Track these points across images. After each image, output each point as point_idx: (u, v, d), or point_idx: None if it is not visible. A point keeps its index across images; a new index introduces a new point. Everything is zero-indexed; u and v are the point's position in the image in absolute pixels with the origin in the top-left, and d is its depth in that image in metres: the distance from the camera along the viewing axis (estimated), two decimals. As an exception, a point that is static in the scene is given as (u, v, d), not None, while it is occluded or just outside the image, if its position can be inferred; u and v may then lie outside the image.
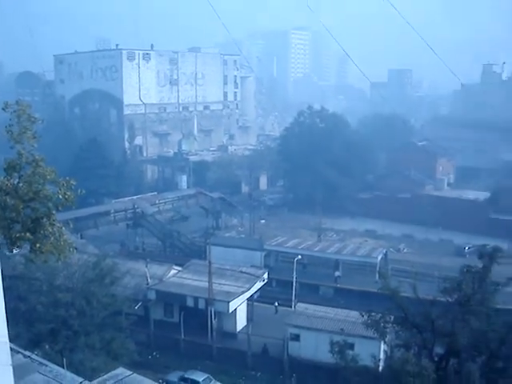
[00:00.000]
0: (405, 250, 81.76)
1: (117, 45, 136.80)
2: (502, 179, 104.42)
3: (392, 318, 30.78)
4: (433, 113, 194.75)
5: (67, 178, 19.60)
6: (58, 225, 19.22)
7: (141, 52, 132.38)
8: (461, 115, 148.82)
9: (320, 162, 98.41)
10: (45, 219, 18.85)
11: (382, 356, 34.94)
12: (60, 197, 19.14)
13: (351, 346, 38.38)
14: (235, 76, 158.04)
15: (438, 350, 29.17)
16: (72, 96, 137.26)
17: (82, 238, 72.43)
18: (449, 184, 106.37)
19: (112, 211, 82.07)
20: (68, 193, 19.22)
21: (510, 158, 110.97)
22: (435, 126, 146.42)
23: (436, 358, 28.93)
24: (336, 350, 30.32)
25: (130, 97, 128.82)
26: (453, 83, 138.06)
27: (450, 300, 29.14)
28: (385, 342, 32.70)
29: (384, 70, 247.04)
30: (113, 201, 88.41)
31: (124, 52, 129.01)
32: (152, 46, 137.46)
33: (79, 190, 20.65)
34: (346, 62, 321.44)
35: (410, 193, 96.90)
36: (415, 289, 31.02)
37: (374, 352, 32.18)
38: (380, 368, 31.39)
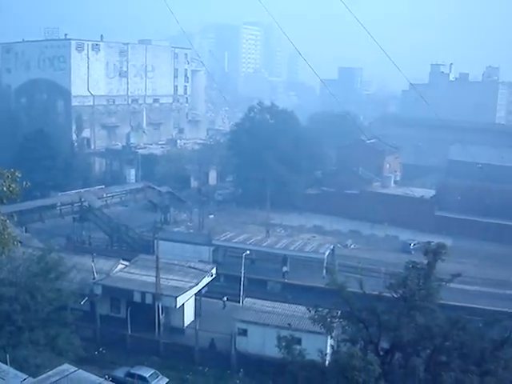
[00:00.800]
0: (352, 246, 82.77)
1: (65, 34, 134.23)
2: (446, 177, 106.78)
3: (339, 313, 31.11)
4: (382, 111, 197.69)
5: (12, 169, 19.14)
6: (2, 218, 18.79)
7: (90, 43, 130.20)
8: (408, 114, 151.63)
9: (270, 157, 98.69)
10: (-12, 212, 18.40)
11: (328, 350, 35.30)
12: (4, 189, 18.68)
13: (298, 341, 38.60)
14: (186, 69, 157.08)
15: (384, 344, 29.63)
16: (18, 85, 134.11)
17: (26, 231, 70.97)
18: (395, 181, 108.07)
19: (58, 204, 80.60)
20: (13, 185, 18.80)
21: (454, 157, 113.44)
22: (384, 125, 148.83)
23: (382, 353, 29.39)
24: (283, 344, 30.45)
25: (78, 88, 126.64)
26: (402, 83, 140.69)
27: (395, 295, 29.60)
28: (331, 337, 33.06)
29: (335, 67, 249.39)
30: (59, 194, 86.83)
31: (73, 42, 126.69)
32: (102, 36, 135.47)
33: (24, 183, 20.19)
34: (297, 58, 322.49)
35: (358, 189, 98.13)
36: (362, 284, 31.41)
37: (321, 347, 32.52)
38: (326, 362, 31.68)
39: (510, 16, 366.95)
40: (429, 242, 32.43)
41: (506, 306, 56.80)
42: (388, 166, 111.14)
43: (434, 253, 29.90)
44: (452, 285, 32.47)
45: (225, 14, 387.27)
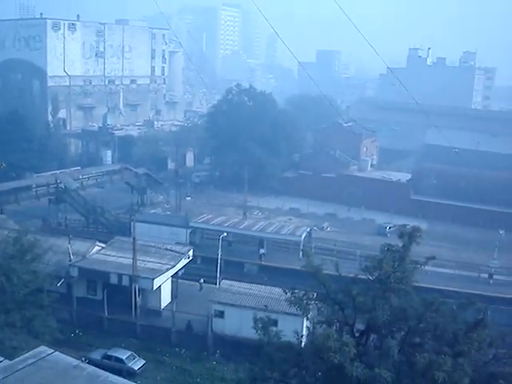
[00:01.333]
0: (328, 229, 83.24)
1: (41, 13, 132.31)
2: (422, 161, 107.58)
3: (315, 295, 31.29)
4: (359, 95, 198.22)
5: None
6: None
7: (66, 22, 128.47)
8: (386, 98, 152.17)
9: (247, 140, 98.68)
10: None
11: (304, 332, 35.49)
12: (-21, 170, 18.49)
13: (275, 323, 38.85)
14: (163, 50, 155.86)
15: (359, 326, 29.91)
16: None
17: (2, 213, 70.31)
18: (372, 165, 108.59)
19: (34, 186, 79.68)
20: (-12, 166, 18.59)
21: (430, 141, 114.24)
22: (361, 108, 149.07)
23: (357, 334, 29.65)
24: (259, 326, 30.54)
25: (54, 68, 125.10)
26: (380, 67, 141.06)
27: (370, 278, 29.79)
28: (307, 319, 33.29)
29: (313, 50, 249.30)
30: (35, 175, 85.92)
31: (49, 21, 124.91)
32: (78, 16, 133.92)
33: None
34: (275, 41, 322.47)
35: (335, 173, 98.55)
36: (337, 267, 31.58)
37: (297, 328, 32.65)
38: (303, 344, 31.91)
39: (488, 1, 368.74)
40: (404, 225, 32.65)
41: (480, 289, 57.83)
42: (365, 149, 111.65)
43: (410, 236, 30.11)
44: (427, 267, 32.90)
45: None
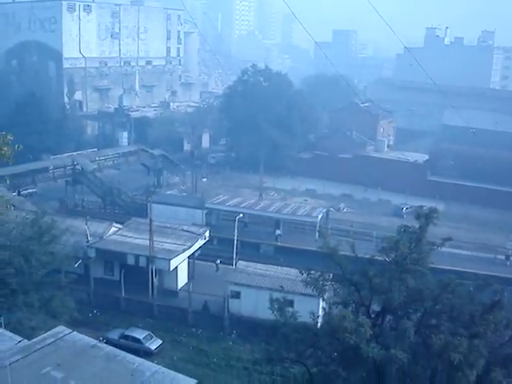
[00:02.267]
0: (344, 210, 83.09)
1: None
2: (440, 142, 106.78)
3: (331, 276, 31.33)
4: (376, 75, 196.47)
5: (3, 132, 19.00)
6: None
7: (81, 3, 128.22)
8: (403, 78, 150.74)
9: (263, 121, 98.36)
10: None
11: (320, 313, 35.64)
12: (-4, 152, 18.57)
13: (291, 303, 38.89)
14: (179, 31, 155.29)
15: (375, 307, 29.92)
16: (9, 48, 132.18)
17: (19, 194, 70.83)
18: (389, 146, 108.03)
19: (51, 168, 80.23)
20: (5, 148, 18.69)
21: (448, 122, 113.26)
22: (378, 88, 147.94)
23: (373, 315, 29.68)
24: (276, 307, 30.65)
25: (69, 50, 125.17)
26: (397, 47, 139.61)
27: (387, 259, 29.76)
28: (323, 300, 33.26)
29: (329, 30, 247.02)
30: (51, 157, 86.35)
31: (64, 3, 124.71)
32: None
33: (16, 146, 20.05)
34: (291, 21, 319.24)
35: (351, 153, 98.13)
36: (354, 248, 31.57)
37: (313, 309, 32.75)
38: (319, 325, 32.03)
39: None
40: (421, 207, 32.54)
41: (497, 271, 57.53)
42: (382, 130, 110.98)
43: (426, 217, 29.98)
44: (443, 249, 32.76)
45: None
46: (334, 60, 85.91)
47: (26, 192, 76.37)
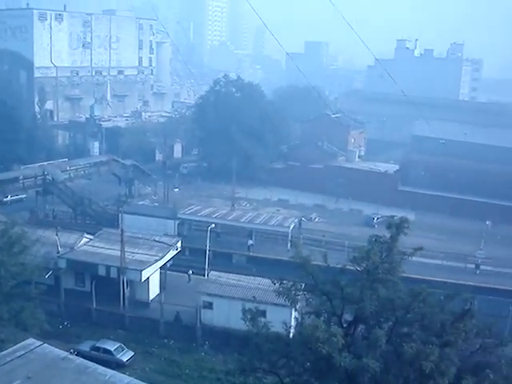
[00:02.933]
0: (316, 220, 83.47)
1: (27, 4, 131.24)
2: (410, 153, 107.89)
3: (303, 285, 31.42)
4: (347, 86, 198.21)
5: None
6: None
7: (53, 13, 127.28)
8: (374, 90, 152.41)
9: (235, 131, 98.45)
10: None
11: (293, 323, 35.75)
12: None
13: (263, 314, 39.06)
14: (151, 41, 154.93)
15: (347, 316, 30.06)
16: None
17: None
18: (360, 156, 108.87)
19: (21, 178, 79.27)
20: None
21: (418, 133, 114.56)
22: (349, 100, 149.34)
23: (345, 325, 29.80)
24: (248, 317, 30.65)
25: (40, 59, 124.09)
26: (368, 58, 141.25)
27: (358, 268, 29.94)
28: (296, 310, 33.41)
29: (301, 41, 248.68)
30: (22, 167, 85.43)
31: (35, 12, 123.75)
32: (65, 6, 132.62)
33: (-14, 156, 19.84)
34: (263, 31, 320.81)
35: (323, 164, 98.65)
36: (326, 257, 31.71)
37: (286, 319, 32.79)
38: (291, 335, 32.07)
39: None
40: (392, 216, 32.80)
41: (467, 279, 58.33)
42: (353, 140, 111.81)
43: (397, 227, 30.26)
44: (414, 258, 33.00)
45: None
46: (305, 71, 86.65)
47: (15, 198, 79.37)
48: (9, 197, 79.19)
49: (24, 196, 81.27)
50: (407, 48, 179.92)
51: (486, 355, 28.41)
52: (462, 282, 51.93)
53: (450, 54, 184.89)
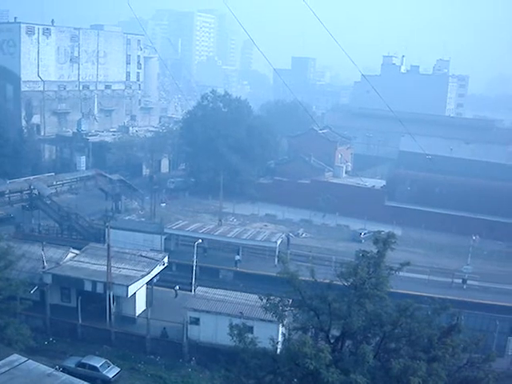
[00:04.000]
0: (303, 235, 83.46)
1: (15, 18, 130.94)
2: (397, 168, 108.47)
3: (290, 301, 31.41)
4: (334, 102, 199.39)
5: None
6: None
7: (41, 27, 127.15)
8: (360, 105, 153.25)
9: (222, 146, 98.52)
10: None
11: (280, 338, 35.57)
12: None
13: (250, 329, 38.88)
14: (138, 56, 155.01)
15: (335, 332, 30.04)
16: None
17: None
18: (347, 171, 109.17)
19: (7, 192, 78.76)
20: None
21: (404, 148, 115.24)
22: (336, 115, 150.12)
23: (332, 340, 29.81)
24: (235, 332, 30.57)
25: (28, 73, 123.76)
26: (355, 74, 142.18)
27: (346, 284, 30.01)
28: (283, 325, 33.30)
29: (288, 57, 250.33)
30: (8, 181, 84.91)
31: (23, 26, 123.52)
32: (53, 21, 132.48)
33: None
34: (250, 47, 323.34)
35: (310, 179, 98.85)
36: (313, 273, 31.73)
37: (273, 335, 32.70)
38: (278, 350, 31.97)
39: (462, 11, 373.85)
40: (379, 232, 32.95)
41: (454, 294, 58.49)
42: (340, 156, 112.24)
43: (384, 242, 30.40)
44: (401, 273, 33.14)
45: (178, 0, 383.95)
46: (292, 86, 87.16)
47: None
48: None
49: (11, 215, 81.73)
50: (393, 64, 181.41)
51: (474, 370, 28.50)
52: (448, 297, 51.96)
53: (436, 70, 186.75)
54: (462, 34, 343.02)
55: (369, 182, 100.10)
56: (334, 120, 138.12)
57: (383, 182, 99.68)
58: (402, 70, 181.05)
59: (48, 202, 77.54)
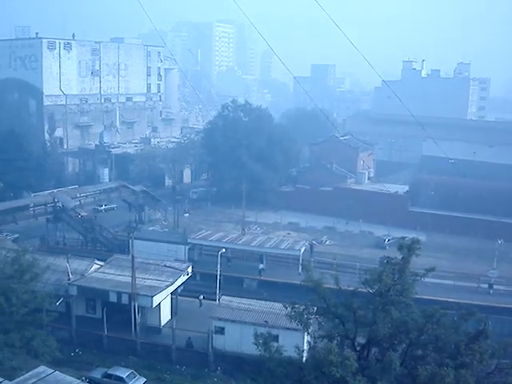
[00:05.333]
0: (327, 243, 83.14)
1: (37, 33, 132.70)
2: (419, 173, 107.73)
3: (315, 309, 31.27)
4: (355, 108, 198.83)
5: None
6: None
7: (62, 41, 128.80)
8: (381, 111, 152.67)
9: (244, 155, 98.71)
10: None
11: (305, 347, 35.39)
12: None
13: (275, 338, 38.80)
14: (159, 68, 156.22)
15: (360, 339, 29.85)
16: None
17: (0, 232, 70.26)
18: (369, 178, 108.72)
19: (31, 205, 79.70)
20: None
21: (427, 153, 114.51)
22: (357, 121, 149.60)
23: (358, 348, 29.61)
24: (260, 341, 30.48)
25: (50, 87, 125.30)
26: (375, 80, 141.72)
27: (370, 291, 29.82)
28: (308, 333, 33.16)
29: (308, 64, 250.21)
30: (32, 194, 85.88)
31: (44, 41, 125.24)
32: (73, 35, 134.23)
33: (-3, 184, 19.94)
34: (270, 56, 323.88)
35: (332, 186, 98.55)
36: (337, 280, 31.59)
37: (298, 343, 32.57)
38: (304, 359, 31.81)
39: (481, 13, 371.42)
40: (403, 238, 32.78)
41: (480, 299, 57.72)
42: (362, 162, 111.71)
43: (409, 248, 30.18)
44: (426, 279, 32.84)
45: (197, 11, 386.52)
46: (312, 94, 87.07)
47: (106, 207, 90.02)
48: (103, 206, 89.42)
49: (115, 205, 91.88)
50: (414, 69, 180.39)
51: (503, 376, 28.10)
52: (475, 302, 51.36)
53: (456, 73, 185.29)
54: (483, 36, 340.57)
55: (392, 188, 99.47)
56: (355, 126, 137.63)
57: (406, 188, 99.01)
58: (423, 74, 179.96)
59: (72, 214, 77.98)
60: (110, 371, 44.89)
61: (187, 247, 70.36)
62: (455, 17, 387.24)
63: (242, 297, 54.01)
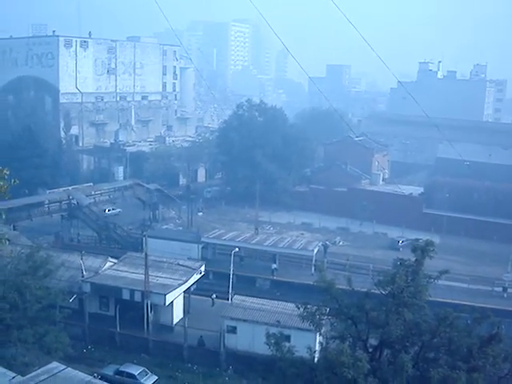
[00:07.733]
0: (340, 243, 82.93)
1: (53, 31, 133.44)
2: (434, 175, 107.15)
3: (327, 310, 31.21)
4: (370, 109, 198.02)
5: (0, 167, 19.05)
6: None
7: (78, 39, 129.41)
8: (397, 112, 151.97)
9: (258, 155, 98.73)
10: (-24, 210, 18.36)
11: (317, 347, 35.35)
12: (-8, 187, 18.59)
13: (287, 338, 38.73)
14: (174, 67, 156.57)
15: (373, 341, 29.76)
16: (5, 83, 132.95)
17: (14, 229, 70.69)
18: (384, 179, 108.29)
19: (46, 202, 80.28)
20: (1, 182, 18.71)
21: (442, 155, 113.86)
22: (372, 122, 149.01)
23: (370, 349, 29.53)
24: (272, 341, 30.49)
25: (66, 85, 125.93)
26: (390, 81, 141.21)
27: (383, 292, 29.73)
28: (320, 334, 33.10)
29: (323, 65, 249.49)
30: (47, 191, 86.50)
31: (61, 39, 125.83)
32: (90, 33, 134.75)
33: (12, 180, 20.07)
34: (285, 56, 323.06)
35: (346, 187, 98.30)
36: (350, 281, 31.52)
37: (310, 344, 32.53)
38: (316, 359, 31.76)
39: (498, 14, 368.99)
40: (417, 239, 32.62)
41: (494, 303, 57.33)
42: (376, 163, 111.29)
43: (422, 250, 30.05)
44: (440, 282, 32.67)
45: (213, 10, 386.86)
46: (327, 94, 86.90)
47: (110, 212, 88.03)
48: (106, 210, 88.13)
49: (119, 210, 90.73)
50: (430, 70, 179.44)
51: (516, 381, 27.90)
52: (489, 306, 50.99)
53: (473, 75, 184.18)
54: (499, 37, 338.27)
55: (406, 190, 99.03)
56: (370, 127, 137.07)
57: (421, 190, 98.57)
58: (439, 75, 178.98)
59: (86, 211, 78.34)
60: (122, 368, 45.10)
61: (200, 246, 70.51)
62: (472, 18, 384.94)
63: (254, 296, 54.04)
